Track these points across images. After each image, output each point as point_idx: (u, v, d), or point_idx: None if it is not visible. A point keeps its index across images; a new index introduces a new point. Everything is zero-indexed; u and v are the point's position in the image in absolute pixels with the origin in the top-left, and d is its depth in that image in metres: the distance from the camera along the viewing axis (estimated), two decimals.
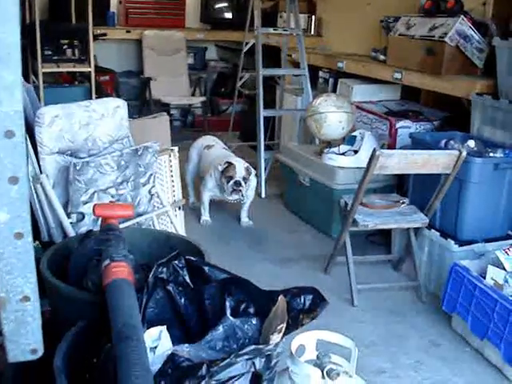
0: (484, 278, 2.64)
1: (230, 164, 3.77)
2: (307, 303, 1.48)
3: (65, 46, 4.28)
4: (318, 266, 3.46)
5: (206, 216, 4.03)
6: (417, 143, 3.34)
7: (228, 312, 1.60)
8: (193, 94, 6.37)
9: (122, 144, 2.81)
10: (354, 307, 3.05)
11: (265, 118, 5.06)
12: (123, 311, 1.49)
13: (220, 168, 3.78)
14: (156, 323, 1.67)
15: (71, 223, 2.45)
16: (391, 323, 2.93)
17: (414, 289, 3.21)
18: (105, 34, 5.30)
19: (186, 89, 6.25)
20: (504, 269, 2.57)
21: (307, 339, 1.87)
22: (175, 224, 2.91)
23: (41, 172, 2.47)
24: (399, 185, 3.83)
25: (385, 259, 3.55)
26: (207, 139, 4.29)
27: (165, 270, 1.64)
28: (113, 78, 6.00)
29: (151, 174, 2.79)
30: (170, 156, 3.25)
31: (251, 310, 1.59)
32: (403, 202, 3.22)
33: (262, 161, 4.57)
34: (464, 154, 2.81)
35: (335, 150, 3.88)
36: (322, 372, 1.75)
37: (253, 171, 3.86)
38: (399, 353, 2.67)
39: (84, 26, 4.25)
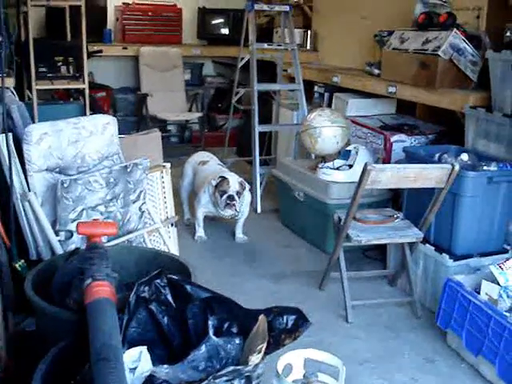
0: (479, 293, 2.61)
1: (223, 178, 3.76)
2: (289, 323, 1.45)
3: (59, 63, 4.27)
4: (312, 281, 3.43)
5: (200, 232, 4.01)
6: (411, 157, 3.32)
7: (211, 331, 1.57)
8: (190, 110, 6.36)
9: (112, 161, 2.80)
10: (348, 324, 3.01)
11: (261, 133, 5.07)
12: (103, 331, 1.47)
13: (214, 183, 3.76)
14: (139, 343, 1.64)
15: (59, 241, 2.43)
16: (386, 339, 2.88)
17: (410, 304, 3.17)
18: (100, 51, 5.31)
19: (182, 105, 6.25)
20: (498, 284, 2.54)
21: (294, 358, 1.84)
22: (166, 241, 2.89)
23: (29, 189, 2.46)
24: (394, 199, 3.81)
25: (380, 274, 3.52)
26: (202, 155, 4.28)
27: (147, 288, 1.62)
28: (109, 95, 6.00)
29: (141, 191, 2.77)
30: (162, 172, 3.24)
31: (234, 330, 1.56)
32: (397, 217, 3.19)
33: (258, 176, 4.54)
34: (457, 167, 2.78)
35: (329, 164, 3.86)
36: None
37: (247, 186, 3.84)
38: (394, 370, 2.63)
39: (78, 43, 4.25)
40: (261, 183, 4.59)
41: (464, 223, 3.01)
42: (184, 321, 1.64)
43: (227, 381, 1.28)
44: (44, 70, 4.24)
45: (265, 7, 4.69)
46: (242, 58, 4.90)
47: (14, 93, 3.74)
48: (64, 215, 2.42)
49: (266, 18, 6.01)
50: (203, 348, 1.54)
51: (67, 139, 2.54)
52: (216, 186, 3.76)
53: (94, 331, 1.46)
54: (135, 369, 1.45)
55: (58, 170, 2.54)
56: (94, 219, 2.37)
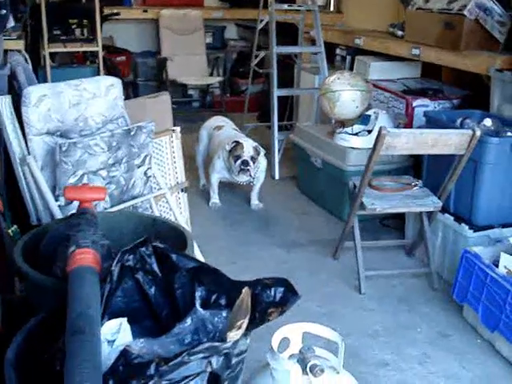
0: (497, 266, 2.47)
1: (237, 143, 3.66)
2: (278, 296, 1.35)
3: (74, 26, 4.19)
4: (327, 250, 3.32)
5: (215, 198, 3.93)
6: (431, 122, 3.16)
7: (197, 303, 1.49)
8: (211, 74, 6.22)
9: (116, 124, 2.71)
10: (361, 295, 2.91)
11: (282, 98, 4.94)
12: (80, 300, 1.39)
13: (228, 147, 3.66)
14: (125, 313, 1.57)
15: (59, 206, 2.36)
16: (399, 312, 2.78)
17: (426, 276, 3.05)
18: (117, 14, 5.19)
19: (203, 69, 6.12)
20: None
21: (292, 332, 1.75)
22: (173, 208, 2.81)
23: (29, 153, 2.39)
24: (416, 166, 3.65)
25: (398, 244, 3.40)
26: (217, 120, 4.17)
27: (131, 257, 1.54)
28: (129, 59, 5.91)
29: (146, 156, 2.68)
30: (171, 136, 3.14)
31: (222, 302, 1.47)
32: (415, 185, 3.05)
33: (276, 142, 4.43)
34: (478, 133, 2.62)
35: (348, 130, 3.71)
36: (305, 368, 1.63)
37: (262, 151, 3.73)
38: (405, 344, 2.52)
39: (93, 5, 4.15)
40: (279, 149, 4.46)
41: (485, 192, 2.86)
42: (171, 291, 1.56)
43: (204, 358, 1.20)
44: (58, 32, 4.16)
45: None
46: (262, 20, 4.74)
47: (26, 56, 3.67)
48: (63, 180, 2.34)
49: None
50: (189, 321, 1.46)
51: (68, 101, 2.45)
52: (230, 151, 3.66)
53: (71, 300, 1.39)
54: (114, 341, 1.38)
55: (59, 133, 2.46)
56: (84, 184, 2.29)
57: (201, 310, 1.48)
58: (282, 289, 1.35)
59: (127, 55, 5.86)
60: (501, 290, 2.35)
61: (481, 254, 2.54)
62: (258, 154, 3.69)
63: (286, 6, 4.55)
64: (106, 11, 4.77)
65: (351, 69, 4.54)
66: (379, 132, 2.58)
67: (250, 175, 3.68)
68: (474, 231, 2.86)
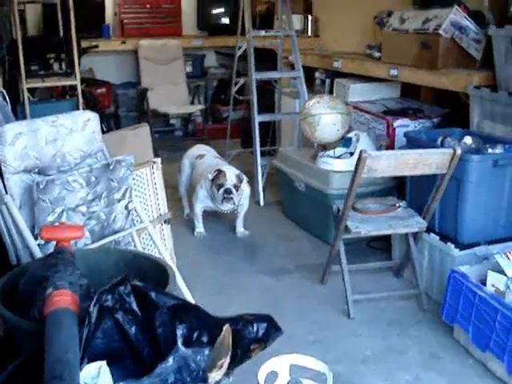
0: (485, 284, 2.45)
1: (219, 172, 3.64)
2: (260, 332, 1.32)
3: (51, 60, 4.17)
4: (314, 276, 3.29)
5: (199, 228, 3.89)
6: (412, 142, 3.16)
7: (179, 341, 1.45)
8: (192, 103, 6.23)
9: (95, 158, 2.68)
10: (350, 319, 2.87)
11: (265, 123, 4.95)
12: (59, 345, 1.36)
13: (210, 176, 3.65)
14: (106, 354, 1.53)
15: (39, 245, 2.32)
16: (389, 336, 2.74)
17: (416, 297, 3.02)
18: (96, 46, 5.20)
19: (184, 97, 6.13)
20: (505, 274, 2.38)
21: (279, 365, 1.71)
22: (156, 240, 2.77)
23: (6, 192, 2.35)
24: (399, 186, 3.64)
25: (385, 266, 3.37)
26: (199, 148, 4.16)
27: (110, 297, 1.50)
28: (109, 90, 5.89)
29: (126, 189, 2.65)
30: (152, 168, 3.12)
31: (204, 339, 1.43)
32: (399, 206, 3.04)
33: (259, 168, 4.42)
34: (459, 151, 2.62)
35: (330, 153, 3.71)
36: None
37: (245, 178, 3.71)
38: (396, 368, 2.49)
39: (69, 38, 4.15)
40: (262, 175, 4.45)
41: (469, 210, 2.85)
42: (152, 330, 1.52)
43: None
44: (36, 67, 4.14)
45: None
46: (240, 47, 4.76)
47: (4, 92, 3.65)
48: (42, 217, 2.30)
49: (266, 5, 5.84)
50: (171, 360, 1.42)
51: (45, 138, 2.42)
52: (213, 180, 3.64)
53: (49, 345, 1.35)
54: None
55: (36, 170, 2.43)
56: (60, 223, 2.25)
57: (183, 348, 1.44)
58: (264, 324, 1.32)
59: (107, 87, 5.84)
60: (490, 308, 2.33)
61: (468, 273, 2.52)
62: (241, 181, 3.67)
63: (263, 33, 4.58)
64: (85, 44, 4.77)
65: (331, 92, 4.57)
66: (360, 155, 2.57)
67: (234, 203, 3.66)
68: (460, 250, 2.84)
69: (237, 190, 3.63)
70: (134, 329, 1.55)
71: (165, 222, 3.19)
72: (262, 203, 4.40)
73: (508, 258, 2.40)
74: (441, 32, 3.36)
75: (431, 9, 3.55)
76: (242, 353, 1.29)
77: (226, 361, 1.22)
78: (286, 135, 5.17)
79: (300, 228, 4.01)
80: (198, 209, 3.83)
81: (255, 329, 1.32)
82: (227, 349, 1.24)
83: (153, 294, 1.48)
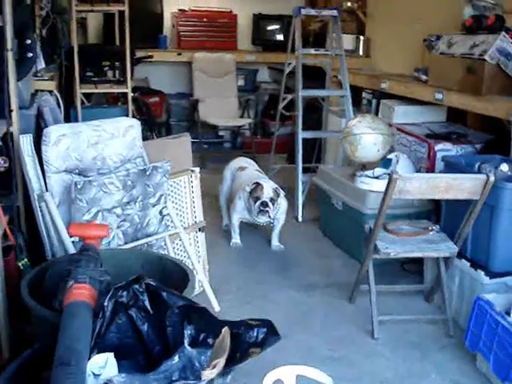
0: (510, 314, 2.42)
1: (257, 185, 3.70)
2: (260, 337, 1.37)
3: (106, 68, 4.36)
4: (343, 294, 3.30)
5: (235, 239, 3.96)
6: (449, 167, 3.14)
7: (186, 341, 1.51)
8: (241, 116, 6.33)
9: (134, 163, 2.80)
10: (373, 340, 2.87)
11: (311, 140, 5.01)
12: (70, 335, 1.44)
13: (248, 189, 3.71)
14: (119, 349, 1.61)
15: (73, 242, 2.43)
16: (411, 359, 2.72)
17: (443, 322, 2.99)
18: (150, 56, 5.38)
19: (234, 110, 6.24)
20: None
21: (286, 374, 1.74)
22: (186, 246, 2.85)
23: (47, 190, 2.49)
24: (437, 210, 3.61)
25: (415, 289, 3.35)
26: (241, 161, 4.24)
27: (125, 293, 1.58)
28: (162, 100, 6.08)
29: (161, 195, 2.75)
30: (191, 177, 3.22)
31: (210, 341, 1.49)
32: (432, 229, 3.02)
33: (300, 184, 4.46)
34: (492, 178, 2.60)
35: (369, 173, 3.72)
36: None
37: (281, 193, 3.76)
38: None
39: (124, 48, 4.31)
40: (303, 191, 4.49)
41: (502, 238, 2.81)
42: (163, 329, 1.59)
43: None
44: (90, 74, 4.33)
45: (312, 12, 4.61)
46: (290, 64, 4.83)
47: (58, 95, 3.83)
48: (78, 216, 2.42)
49: (320, 24, 5.90)
50: (176, 358, 1.48)
51: (87, 141, 2.55)
52: (250, 192, 3.71)
53: (62, 333, 1.44)
54: (99, 375, 1.41)
55: (77, 171, 2.56)
56: (88, 222, 2.36)
57: (189, 348, 1.51)
58: (264, 330, 1.37)
59: (160, 96, 6.03)
60: (511, 338, 2.29)
61: (494, 301, 2.49)
62: (278, 195, 3.73)
63: (312, 51, 4.63)
64: (141, 54, 4.95)
65: (377, 112, 4.57)
66: (390, 176, 2.59)
67: (269, 216, 3.71)
68: (490, 278, 2.80)
69: (273, 204, 3.68)
70: (146, 326, 1.63)
71: (199, 229, 3.27)
72: (300, 219, 4.43)
73: None
74: (486, 58, 3.34)
75: (479, 34, 3.52)
76: (240, 355, 1.34)
77: (222, 361, 1.28)
78: (330, 153, 5.19)
79: (336, 246, 4.02)
80: (235, 220, 3.90)
81: (255, 333, 1.37)
82: (224, 350, 1.29)
83: (164, 294, 1.55)
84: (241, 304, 3.19)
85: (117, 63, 4.40)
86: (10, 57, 2.59)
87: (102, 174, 2.63)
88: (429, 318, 3.06)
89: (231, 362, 1.31)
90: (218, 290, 3.30)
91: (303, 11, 4.53)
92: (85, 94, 4.60)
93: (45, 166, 2.47)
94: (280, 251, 3.93)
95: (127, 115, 4.26)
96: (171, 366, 1.49)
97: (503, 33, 3.32)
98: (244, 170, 4.06)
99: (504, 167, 2.86)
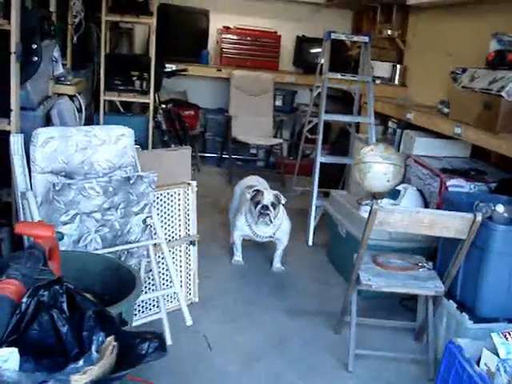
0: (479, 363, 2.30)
1: (258, 191, 3.72)
2: (150, 350, 1.36)
3: (134, 78, 4.47)
4: (332, 323, 3.22)
5: (237, 256, 3.95)
6: (447, 203, 3.04)
7: (94, 347, 1.51)
8: (275, 136, 6.34)
9: (124, 171, 2.83)
10: (347, 373, 2.79)
11: (339, 165, 4.99)
12: None
13: (248, 196, 3.72)
14: (40, 347, 1.63)
15: None
16: None
17: (426, 364, 2.87)
18: (184, 70, 5.48)
19: (268, 130, 6.25)
20: (498, 355, 2.21)
21: None
22: (166, 256, 2.86)
23: (31, 189, 2.56)
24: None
25: (407, 327, 3.23)
26: (252, 179, 4.24)
27: (46, 293, 1.60)
28: (197, 113, 6.17)
29: (146, 204, 2.77)
30: (187, 190, 3.24)
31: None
32: (423, 266, 2.93)
33: (313, 208, 4.42)
34: (479, 218, 2.50)
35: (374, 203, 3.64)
36: None
37: (282, 199, 3.73)
38: None
39: (157, 60, 4.42)
40: (315, 216, 4.44)
41: (491, 282, 2.69)
42: (80, 332, 1.60)
43: None
44: (118, 82, 4.45)
45: (342, 37, 4.58)
46: (318, 87, 4.82)
47: (80, 100, 3.97)
48: (55, 217, 2.48)
49: (359, 50, 5.84)
50: (81, 362, 1.48)
51: (75, 145, 2.61)
52: (251, 199, 3.72)
53: None
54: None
55: (63, 173, 2.62)
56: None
57: (95, 353, 1.51)
58: (156, 344, 1.35)
59: (195, 110, 6.12)
60: None
61: (466, 347, 2.37)
62: (279, 201, 3.71)
63: (339, 75, 4.60)
64: (180, 67, 5.07)
65: (399, 143, 4.48)
66: (371, 207, 2.53)
67: (270, 221, 3.68)
68: (474, 322, 2.68)
69: (274, 208, 3.67)
70: (65, 328, 1.64)
71: (191, 243, 3.29)
72: (310, 243, 4.38)
73: (505, 338, 2.23)
74: (503, 94, 3.21)
75: (500, 70, 3.41)
76: (126, 365, 1.33)
77: (92, 369, 1.27)
78: (354, 179, 5.11)
79: (339, 274, 3.95)
80: (237, 237, 3.89)
81: (147, 346, 1.36)
82: (101, 358, 1.29)
83: (78, 298, 1.56)
84: (225, 321, 3.17)
85: (145, 74, 4.51)
86: (13, 60, 2.70)
87: (89, 178, 2.68)
88: (412, 358, 2.94)
89: (116, 371, 1.30)
90: (204, 305, 3.32)
91: (333, 35, 4.51)
92: (124, 103, 4.75)
93: (31, 166, 2.54)
94: (280, 273, 3.89)
95: (147, 125, 4.35)
96: (76, 369, 1.50)
97: None
98: (252, 188, 4.05)
99: (500, 208, 2.74)
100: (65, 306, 1.61)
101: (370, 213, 2.56)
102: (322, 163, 6.17)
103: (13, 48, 2.69)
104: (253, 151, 6.51)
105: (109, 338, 1.36)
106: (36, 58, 2.85)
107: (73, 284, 1.59)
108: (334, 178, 5.48)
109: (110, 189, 2.61)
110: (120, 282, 2.16)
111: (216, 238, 4.33)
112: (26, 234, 1.89)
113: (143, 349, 1.37)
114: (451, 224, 2.54)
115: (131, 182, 2.68)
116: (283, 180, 5.97)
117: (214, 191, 5.49)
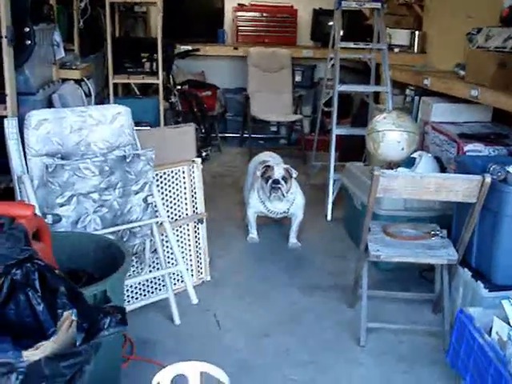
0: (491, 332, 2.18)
1: (268, 166, 3.65)
2: (112, 323, 1.31)
3: (144, 60, 4.42)
4: (346, 297, 3.13)
5: (252, 233, 3.88)
6: (462, 167, 2.90)
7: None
8: (295, 112, 6.21)
9: (123, 150, 2.79)
10: (359, 347, 2.70)
11: (361, 137, 4.84)
12: None
13: (258, 173, 3.65)
14: (18, 326, 1.60)
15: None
16: (394, 372, 2.53)
17: (441, 335, 2.76)
18: (196, 50, 5.41)
19: (287, 106, 6.13)
20: (509, 323, 2.10)
21: (189, 370, 1.67)
22: (169, 235, 2.82)
23: (28, 172, 2.54)
24: None
25: (423, 298, 3.11)
26: (266, 155, 4.15)
27: (19, 272, 1.56)
28: (215, 94, 6.10)
29: (145, 183, 2.73)
30: (192, 167, 3.19)
31: (85, 325, 1.45)
32: (435, 234, 2.80)
33: (331, 182, 4.31)
34: (488, 179, 2.36)
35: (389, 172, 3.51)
36: None
37: (294, 173, 3.64)
38: None
39: (166, 41, 4.36)
40: (333, 190, 4.33)
41: (505, 248, 2.55)
42: (55, 310, 1.56)
43: (2, 374, 1.19)
44: (129, 65, 4.41)
45: (353, 4, 4.41)
46: (332, 58, 4.68)
47: (89, 85, 3.94)
48: (50, 199, 2.46)
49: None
50: (52, 340, 1.46)
51: (70, 126, 2.58)
52: (262, 175, 3.64)
53: None
54: None
55: (59, 155, 2.59)
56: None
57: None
58: (117, 317, 1.30)
59: (213, 90, 6.05)
60: (485, 358, 2.07)
61: (477, 315, 2.26)
62: (290, 175, 3.63)
63: (352, 44, 4.45)
64: (180, 48, 5.00)
65: (417, 110, 4.32)
66: (372, 173, 2.42)
67: (283, 195, 3.60)
68: (490, 290, 2.56)
69: (286, 182, 3.59)
70: (41, 307, 1.60)
71: (199, 221, 3.24)
72: (329, 218, 4.29)
73: None
74: None
75: None
76: (87, 339, 1.29)
77: (45, 345, 1.23)
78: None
79: (357, 247, 3.83)
80: (251, 214, 3.82)
81: (109, 320, 1.32)
82: (55, 333, 1.25)
83: (48, 275, 1.52)
84: (233, 298, 3.13)
85: (155, 55, 4.45)
86: (5, 44, 2.68)
87: (85, 159, 2.65)
88: (427, 329, 2.84)
89: (81, 344, 1.26)
90: (216, 284, 3.28)
91: (344, 4, 4.36)
92: (141, 87, 4.71)
93: (26, 149, 2.52)
94: (296, 249, 3.81)
95: (158, 107, 4.30)
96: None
97: None
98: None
99: (511, 169, 2.59)
100: (37, 283, 1.57)
101: (371, 180, 2.45)
102: (344, 137, 6.07)
103: (3, 32, 2.66)
104: (273, 129, 6.40)
105: (65, 313, 1.32)
106: (29, 42, 2.82)
107: (43, 262, 1.55)
108: (358, 151, 5.34)
109: (106, 168, 2.57)
110: (110, 260, 2.13)
111: (233, 217, 4.28)
112: (3, 215, 1.85)
113: (105, 323, 1.32)
114: (459, 188, 2.41)
115: (128, 160, 2.63)
116: (304, 156, 5.86)
117: (235, 171, 5.44)
